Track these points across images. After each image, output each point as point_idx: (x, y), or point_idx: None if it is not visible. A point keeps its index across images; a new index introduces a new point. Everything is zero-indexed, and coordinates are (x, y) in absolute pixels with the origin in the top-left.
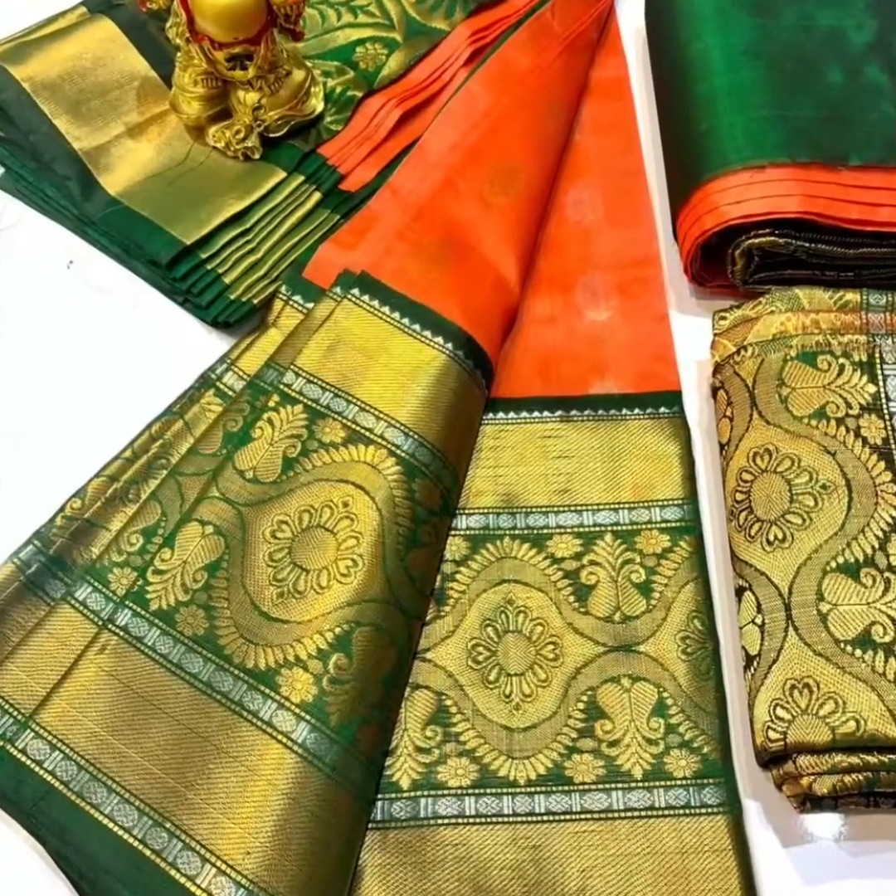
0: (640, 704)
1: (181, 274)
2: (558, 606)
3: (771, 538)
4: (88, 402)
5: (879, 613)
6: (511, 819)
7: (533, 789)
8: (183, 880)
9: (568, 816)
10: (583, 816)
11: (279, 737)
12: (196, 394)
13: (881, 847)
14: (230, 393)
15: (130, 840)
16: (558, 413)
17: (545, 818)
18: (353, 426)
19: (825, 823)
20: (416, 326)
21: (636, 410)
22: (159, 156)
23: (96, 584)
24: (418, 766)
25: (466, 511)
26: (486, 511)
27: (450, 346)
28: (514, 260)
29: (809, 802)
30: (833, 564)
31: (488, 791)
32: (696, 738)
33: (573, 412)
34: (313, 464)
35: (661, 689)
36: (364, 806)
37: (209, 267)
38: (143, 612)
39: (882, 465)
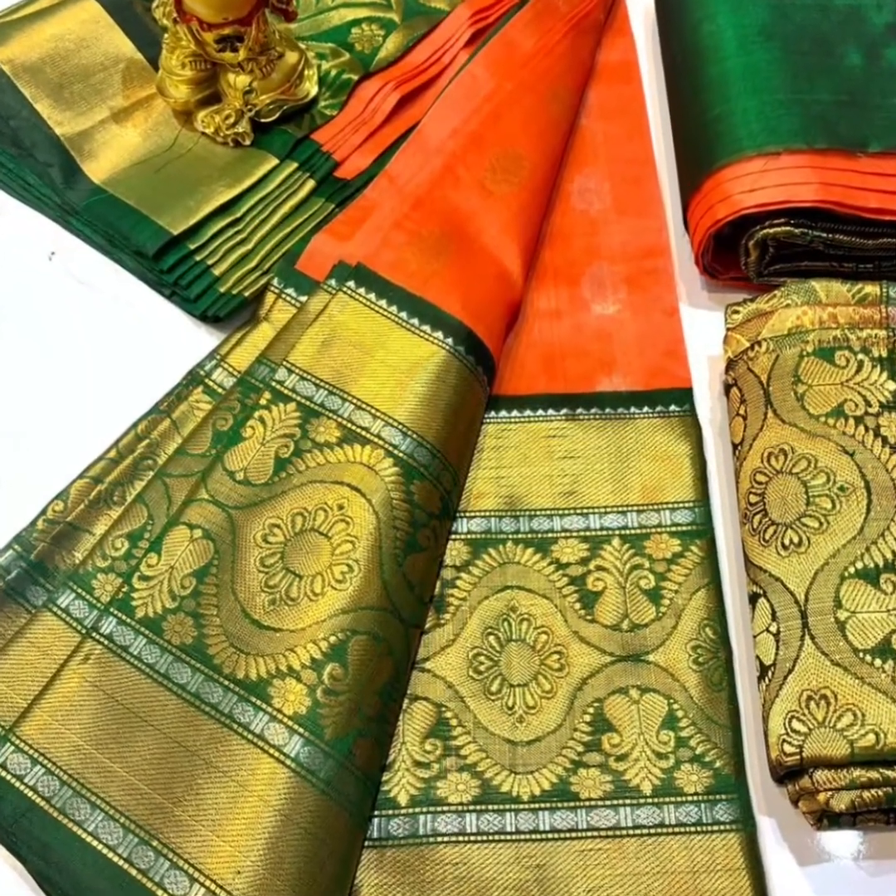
0: (650, 717)
1: (168, 265)
2: (563, 614)
3: (786, 542)
4: (71, 400)
5: None
6: (514, 837)
7: (537, 806)
8: None
9: (574, 834)
10: (589, 834)
11: (271, 751)
12: (184, 391)
13: None
14: (220, 390)
15: (115, 859)
16: (563, 411)
17: (550, 836)
18: (349, 425)
19: (843, 841)
20: (415, 321)
21: (645, 408)
22: (145, 142)
23: (79, 590)
24: (417, 782)
25: (467, 514)
26: (487, 514)
27: (450, 341)
28: (518, 251)
29: (826, 819)
30: (851, 570)
31: (490, 807)
32: (708, 751)
33: (579, 410)
34: (307, 464)
35: (671, 701)
36: (360, 823)
37: (198, 258)
38: (128, 620)
39: None
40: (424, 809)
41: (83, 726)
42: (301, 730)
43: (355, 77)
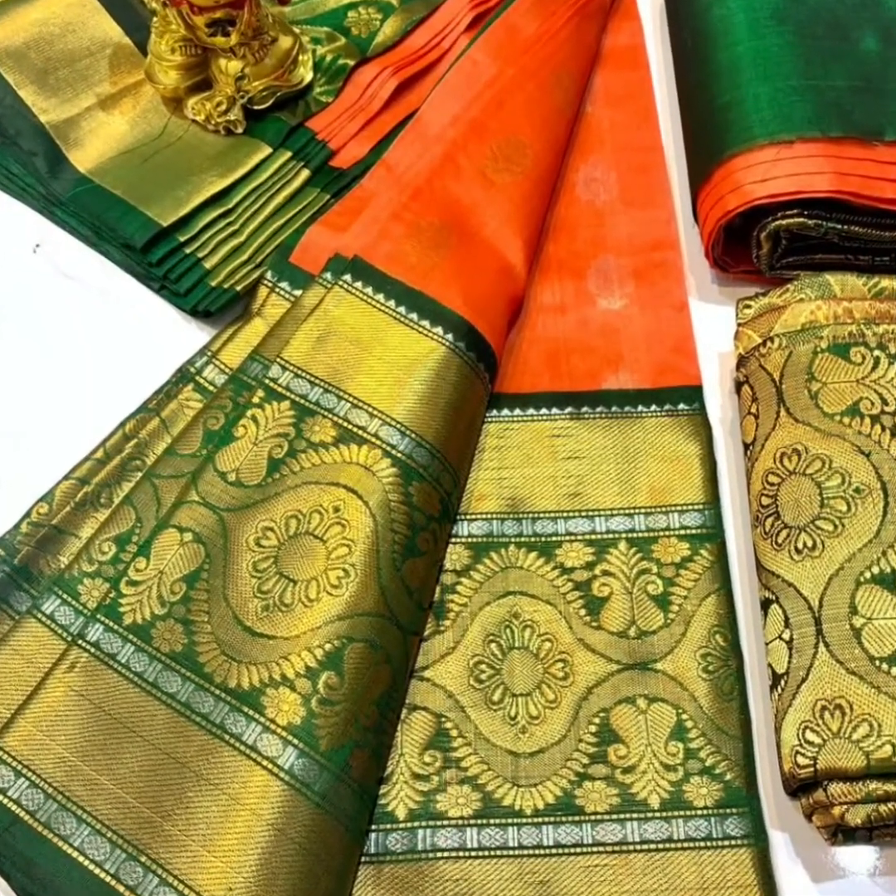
0: (658, 727)
1: (157, 258)
2: (568, 621)
3: (800, 546)
4: (56, 399)
5: None
6: (517, 852)
7: (540, 820)
8: None
9: (579, 849)
10: (595, 849)
11: (264, 762)
12: (173, 389)
13: None
14: (211, 388)
15: (102, 875)
16: (568, 410)
17: (554, 851)
18: (345, 424)
19: (858, 857)
20: (414, 315)
21: (653, 407)
22: (133, 130)
23: (65, 596)
24: (416, 795)
25: (468, 517)
26: (489, 517)
27: (450, 336)
28: (521, 243)
29: (841, 834)
30: (867, 575)
31: (492, 822)
32: (719, 764)
33: (584, 409)
34: (301, 465)
35: (680, 711)
36: (356, 838)
37: (188, 251)
38: (115, 627)
39: None
40: (423, 824)
41: (69, 737)
42: (295, 741)
43: (351, 62)
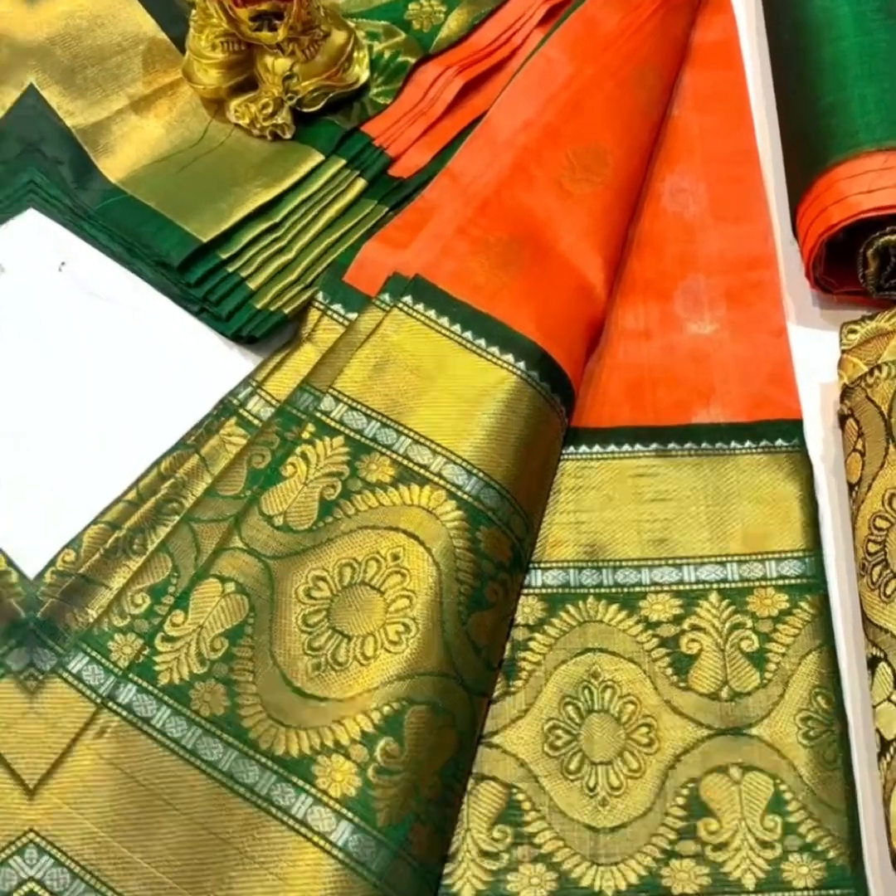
0: (753, 799)
1: (196, 278)
2: (653, 681)
3: None
4: (85, 434)
5: None
6: None
7: None
8: None
9: None
10: None
11: (315, 838)
12: (214, 423)
13: None
14: (256, 422)
15: None
16: (653, 446)
17: None
18: (405, 462)
19: None
20: (481, 341)
21: (748, 443)
22: (170, 135)
23: (94, 653)
24: (484, 874)
25: (542, 565)
26: (565, 565)
27: (522, 365)
28: (601, 261)
29: None
30: None
31: None
32: (821, 840)
33: (671, 445)
34: (356, 508)
35: (777, 781)
36: None
37: (230, 269)
38: (150, 688)
39: None
40: None
41: (98, 811)
42: (350, 814)
43: (412, 60)
